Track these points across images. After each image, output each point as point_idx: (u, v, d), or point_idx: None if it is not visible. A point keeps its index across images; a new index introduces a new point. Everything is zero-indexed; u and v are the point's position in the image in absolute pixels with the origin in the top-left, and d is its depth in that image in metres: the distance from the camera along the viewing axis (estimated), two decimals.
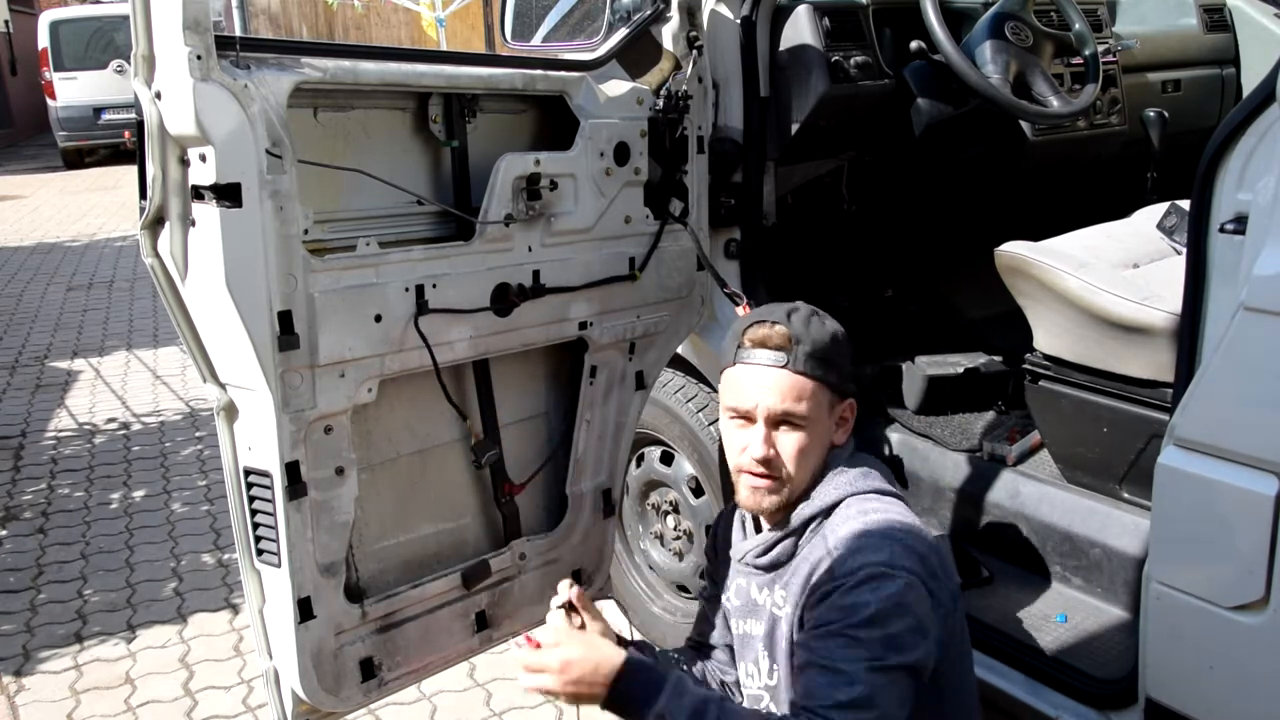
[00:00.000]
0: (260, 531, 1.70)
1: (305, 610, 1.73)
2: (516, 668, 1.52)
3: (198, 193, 1.52)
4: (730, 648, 1.80)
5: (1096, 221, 2.34)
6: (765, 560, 1.61)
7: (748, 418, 1.56)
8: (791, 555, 1.57)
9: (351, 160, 1.79)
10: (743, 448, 1.56)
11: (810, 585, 1.50)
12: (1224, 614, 1.58)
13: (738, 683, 1.77)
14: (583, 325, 2.06)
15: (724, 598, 1.76)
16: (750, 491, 1.57)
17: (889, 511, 1.52)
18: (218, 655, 2.93)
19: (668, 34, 2.14)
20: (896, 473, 2.42)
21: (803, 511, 1.56)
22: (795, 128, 2.34)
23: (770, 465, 1.54)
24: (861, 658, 1.38)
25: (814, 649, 1.43)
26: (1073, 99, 2.53)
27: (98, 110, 13.58)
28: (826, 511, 1.55)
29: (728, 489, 1.55)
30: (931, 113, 2.42)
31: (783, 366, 1.53)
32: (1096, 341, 2.04)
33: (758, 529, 1.68)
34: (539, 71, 1.96)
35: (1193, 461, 1.59)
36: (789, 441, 1.54)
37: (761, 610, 1.63)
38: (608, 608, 2.98)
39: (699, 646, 1.89)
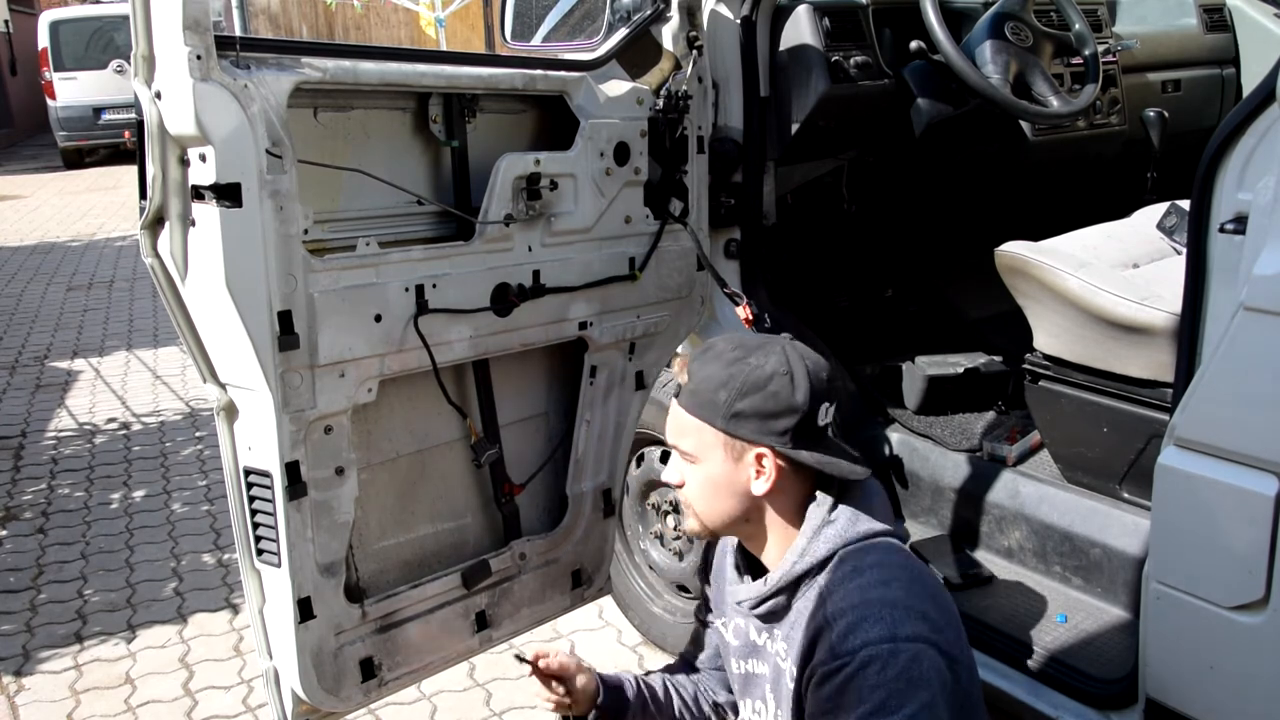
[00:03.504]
0: (260, 531, 1.70)
1: (305, 610, 1.73)
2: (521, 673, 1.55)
3: (198, 193, 1.52)
4: (719, 670, 1.79)
5: (1096, 221, 2.34)
6: (760, 612, 1.56)
7: None
8: (787, 608, 1.52)
9: (351, 160, 1.79)
10: None
11: (811, 659, 1.43)
12: (1224, 614, 1.58)
13: (729, 704, 1.76)
14: (583, 325, 2.06)
15: (720, 628, 1.72)
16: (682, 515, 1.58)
17: (886, 565, 1.44)
18: (218, 655, 2.93)
19: (668, 34, 2.14)
20: (897, 473, 2.42)
21: (793, 569, 1.49)
22: (795, 128, 2.34)
23: (681, 492, 1.55)
24: None
25: None
26: (1073, 99, 2.53)
27: (98, 110, 13.58)
28: (819, 567, 1.48)
29: None
30: (931, 113, 2.42)
31: (676, 397, 1.53)
32: (1096, 341, 2.04)
33: (747, 565, 1.63)
34: (539, 71, 1.96)
35: (1193, 461, 1.59)
36: (687, 474, 1.53)
37: (764, 653, 1.58)
38: (607, 606, 2.98)
39: (690, 666, 1.88)
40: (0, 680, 2.85)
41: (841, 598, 1.41)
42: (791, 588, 1.50)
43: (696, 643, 1.88)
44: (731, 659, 1.69)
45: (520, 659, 1.71)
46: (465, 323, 1.86)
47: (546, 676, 1.72)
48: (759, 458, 1.47)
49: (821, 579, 1.46)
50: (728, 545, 1.67)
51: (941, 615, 1.42)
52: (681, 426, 1.51)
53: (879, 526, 1.50)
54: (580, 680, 1.72)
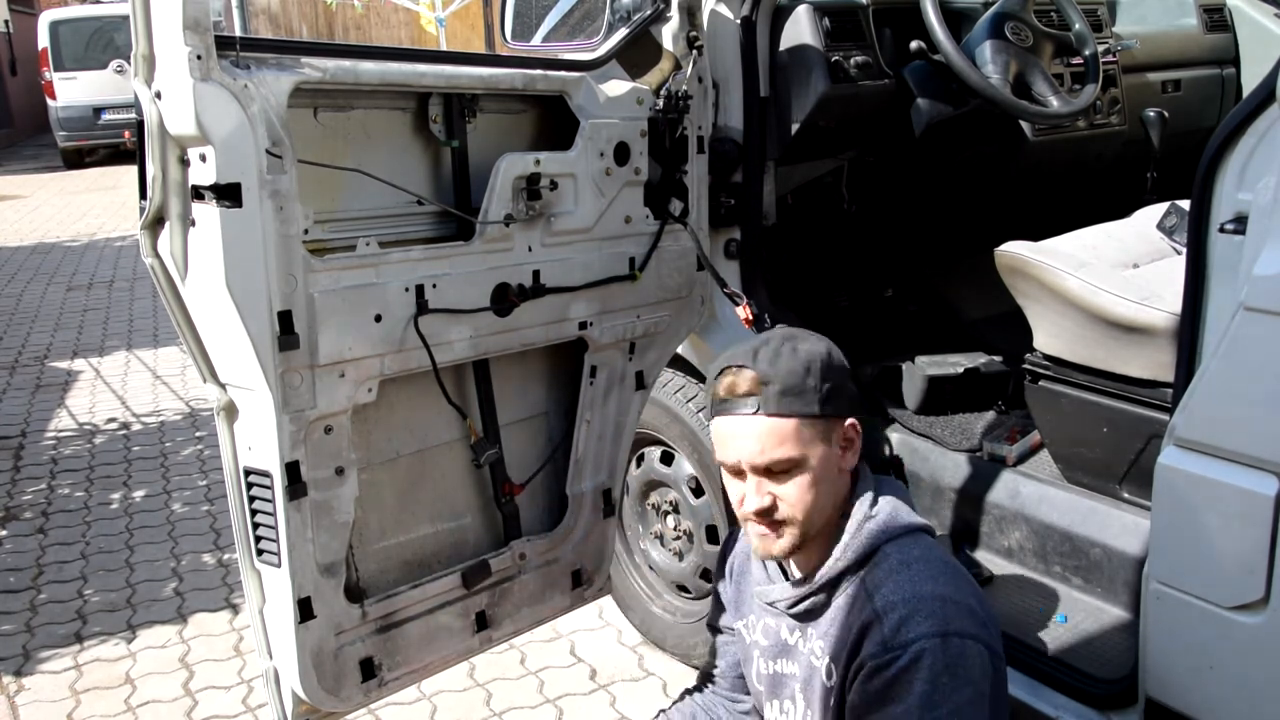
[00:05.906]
0: (260, 531, 1.70)
1: (305, 610, 1.73)
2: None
3: (198, 193, 1.52)
4: (740, 677, 1.78)
5: (1096, 221, 2.34)
6: (797, 611, 1.54)
7: (737, 472, 1.49)
8: (826, 605, 1.51)
9: (351, 160, 1.79)
10: (740, 499, 1.49)
11: (860, 652, 1.42)
12: (1224, 614, 1.58)
13: (755, 710, 1.75)
14: (583, 325, 2.06)
15: (743, 629, 1.71)
16: (760, 540, 1.50)
17: (931, 560, 1.45)
18: (218, 655, 2.93)
19: (668, 34, 2.14)
20: (897, 473, 2.42)
21: (835, 565, 1.48)
22: (795, 128, 2.34)
23: (771, 514, 1.47)
24: None
25: None
26: (1073, 99, 2.53)
27: (98, 110, 13.60)
28: (860, 563, 1.47)
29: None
30: (931, 113, 2.42)
31: (755, 413, 1.44)
32: (1096, 341, 2.04)
33: (783, 570, 1.61)
34: (539, 71, 1.96)
35: (1193, 461, 1.59)
36: (786, 487, 1.46)
37: (795, 653, 1.57)
38: (607, 606, 2.98)
39: (709, 678, 1.86)
40: (0, 680, 2.85)
41: (892, 591, 1.42)
42: (833, 585, 1.50)
43: (714, 653, 1.86)
44: (758, 659, 1.67)
45: None
46: (465, 323, 1.86)
47: None
48: (846, 430, 1.51)
49: (865, 573, 1.47)
50: (749, 544, 1.64)
51: (984, 611, 1.44)
52: (777, 435, 1.44)
53: (918, 521, 1.52)
54: None
